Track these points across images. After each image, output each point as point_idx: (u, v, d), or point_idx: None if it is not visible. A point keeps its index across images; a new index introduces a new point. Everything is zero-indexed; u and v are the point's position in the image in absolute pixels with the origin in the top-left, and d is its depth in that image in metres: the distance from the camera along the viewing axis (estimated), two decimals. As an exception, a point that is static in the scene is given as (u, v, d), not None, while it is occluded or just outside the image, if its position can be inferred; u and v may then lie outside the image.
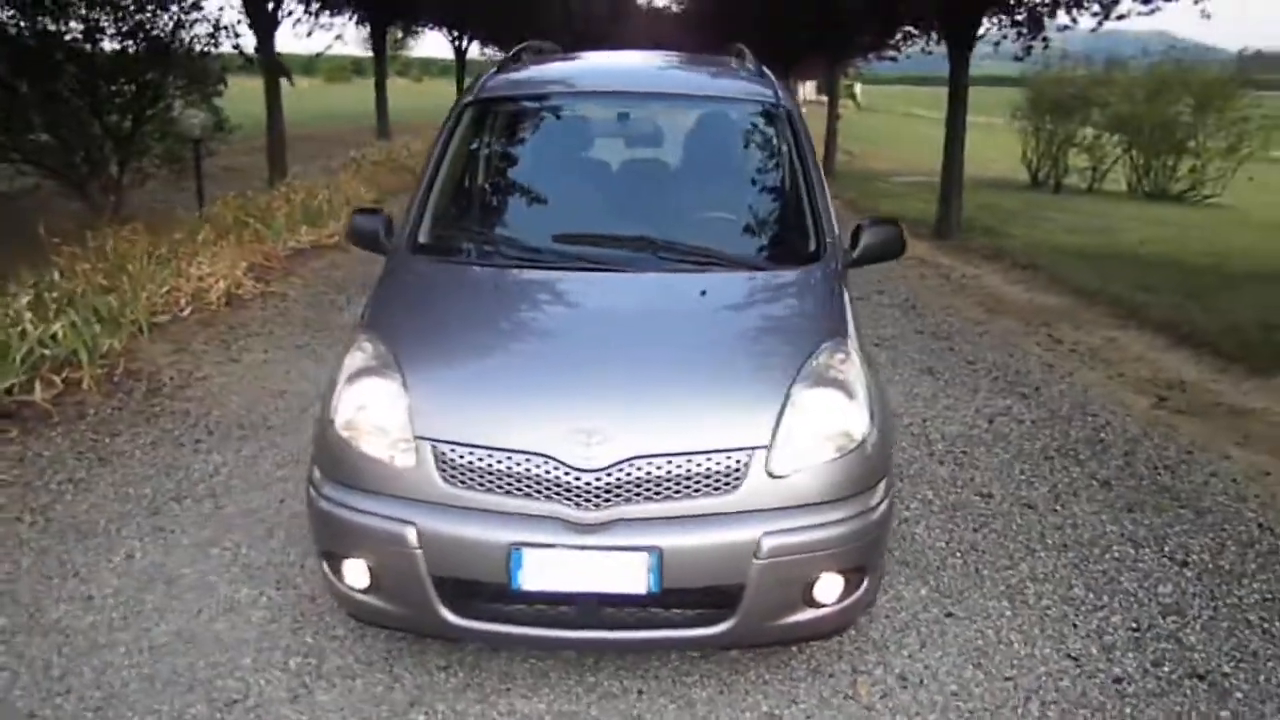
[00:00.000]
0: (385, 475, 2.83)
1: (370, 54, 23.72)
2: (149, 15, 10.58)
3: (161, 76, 10.83)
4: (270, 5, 12.68)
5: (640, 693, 2.98)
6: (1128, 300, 8.69)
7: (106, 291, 6.68)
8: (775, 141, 3.88)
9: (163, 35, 10.57)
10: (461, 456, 2.76)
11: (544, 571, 2.69)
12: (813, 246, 3.53)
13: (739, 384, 2.92)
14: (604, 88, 4.17)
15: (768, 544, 2.70)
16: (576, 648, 3.02)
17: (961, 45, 11.55)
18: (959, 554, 3.85)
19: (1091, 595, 3.58)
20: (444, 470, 2.76)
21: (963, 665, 3.13)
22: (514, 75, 4.20)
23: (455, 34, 26.11)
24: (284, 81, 12.96)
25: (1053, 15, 11.41)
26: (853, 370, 2.98)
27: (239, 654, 3.16)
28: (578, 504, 2.70)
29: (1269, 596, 3.60)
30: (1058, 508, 4.30)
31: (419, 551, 2.74)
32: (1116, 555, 3.88)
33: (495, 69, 4.24)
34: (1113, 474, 4.72)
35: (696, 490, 2.72)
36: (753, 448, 2.75)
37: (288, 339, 6.79)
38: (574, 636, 2.83)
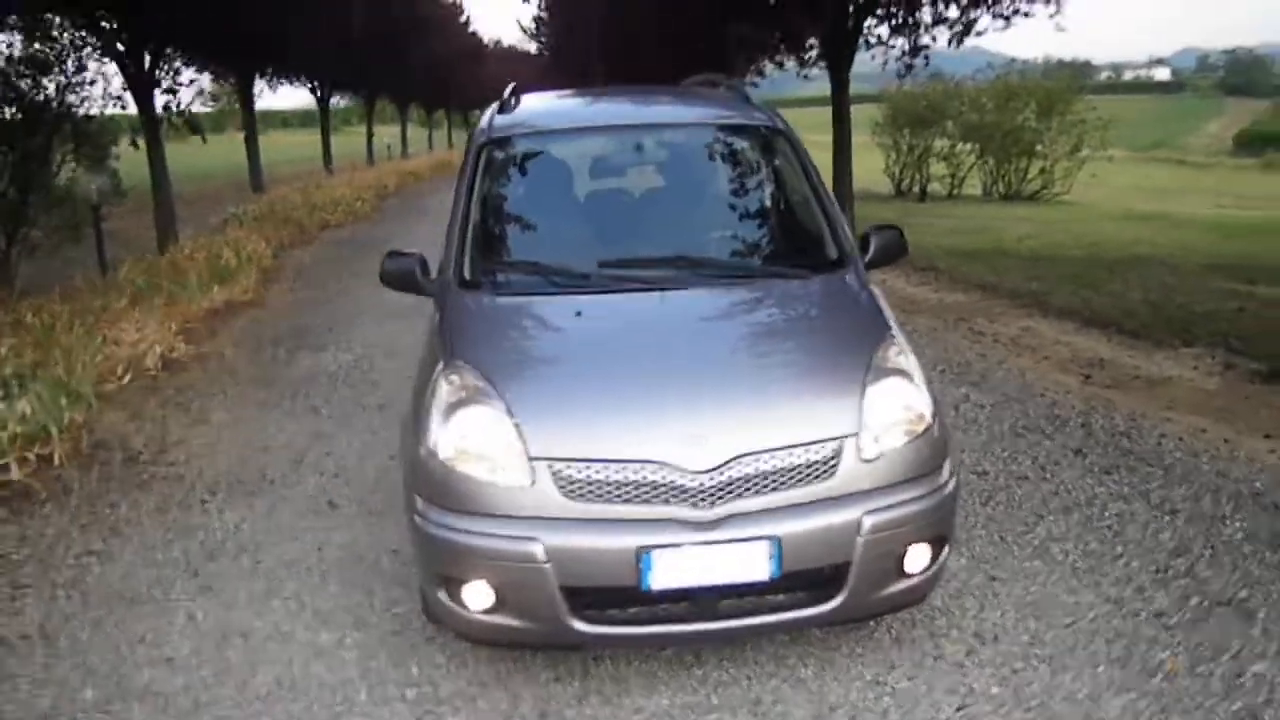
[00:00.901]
0: (503, 497, 2.96)
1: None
2: (29, 82, 10.20)
3: (47, 141, 10.43)
4: (147, 64, 12.36)
5: (749, 678, 3.18)
6: (1027, 292, 9.40)
7: (38, 365, 6.46)
8: (780, 160, 4.18)
9: (48, 100, 10.20)
10: (579, 471, 2.92)
11: (672, 570, 2.87)
12: (835, 254, 3.82)
13: (820, 380, 3.18)
14: (614, 121, 4.40)
15: (868, 522, 2.95)
16: (700, 641, 3.19)
17: (840, 69, 12.22)
18: (980, 525, 4.19)
19: (1107, 547, 3.97)
20: (563, 486, 2.92)
21: (1024, 618, 3.45)
22: (522, 113, 4.38)
23: (317, 85, 25.79)
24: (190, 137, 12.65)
25: (918, 34, 12.23)
26: (911, 361, 3.28)
27: (351, 692, 3.21)
28: (694, 504, 2.89)
29: (1251, 532, 4.07)
30: (1047, 477, 4.71)
31: (548, 565, 2.88)
32: (1115, 511, 4.30)
33: (496, 108, 4.40)
34: (1080, 443, 5.19)
35: (799, 480, 2.95)
36: (843, 436, 3.00)
37: (246, 397, 6.69)
38: (697, 629, 3.00)
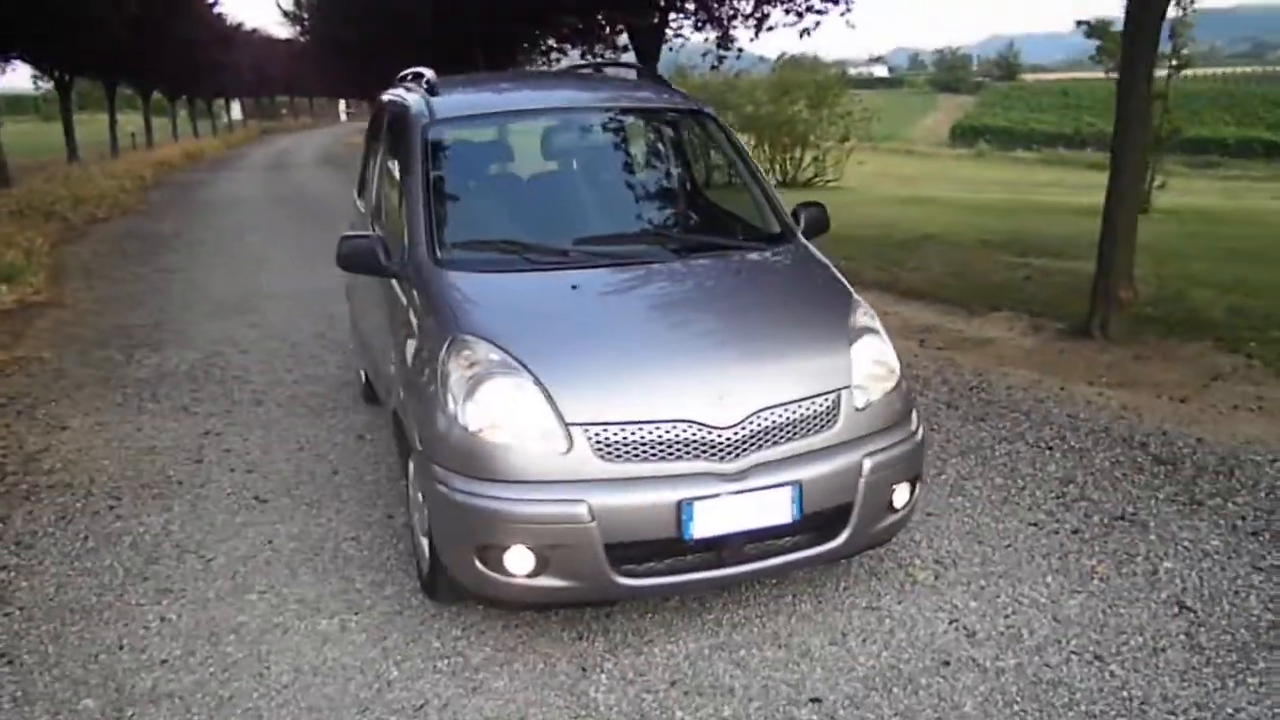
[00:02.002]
0: (540, 463, 3.08)
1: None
2: None
3: None
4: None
5: (759, 617, 3.45)
6: (840, 268, 10.17)
7: None
8: (714, 142, 4.45)
9: None
10: (615, 434, 3.08)
11: (710, 519, 3.09)
12: (778, 228, 4.15)
13: (815, 339, 3.49)
14: (553, 104, 4.50)
15: (868, 465, 3.30)
16: (728, 583, 3.41)
17: (647, 61, 12.65)
18: (899, 471, 4.66)
19: (1010, 481, 4.53)
20: (599, 448, 3.07)
21: (970, 544, 3.92)
22: (455, 97, 4.40)
23: (55, 69, 23.58)
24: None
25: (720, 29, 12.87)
26: (877, 321, 3.66)
27: (381, 670, 3.22)
28: (721, 457, 3.13)
29: (1119, 460, 4.76)
30: (935, 426, 5.27)
31: (593, 524, 3.03)
32: (1003, 451, 4.90)
33: (425, 91, 4.40)
34: (946, 396, 5.81)
35: (810, 430, 3.25)
36: (840, 389, 3.33)
37: (97, 400, 6.24)
38: (728, 573, 3.23)
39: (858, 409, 3.34)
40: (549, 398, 3.11)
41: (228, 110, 58.59)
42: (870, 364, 3.45)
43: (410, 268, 3.77)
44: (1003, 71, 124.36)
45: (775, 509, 3.17)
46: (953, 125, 73.01)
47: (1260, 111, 61.32)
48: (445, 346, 3.29)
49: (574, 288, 3.57)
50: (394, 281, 3.94)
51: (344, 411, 5.88)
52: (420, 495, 3.50)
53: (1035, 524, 4.09)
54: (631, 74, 5.13)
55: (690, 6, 12.29)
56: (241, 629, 3.49)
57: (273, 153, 41.57)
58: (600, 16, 13.18)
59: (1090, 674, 3.05)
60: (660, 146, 4.58)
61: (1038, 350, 6.97)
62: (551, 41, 17.62)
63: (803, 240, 4.10)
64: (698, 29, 12.57)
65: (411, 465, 3.64)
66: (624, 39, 14.82)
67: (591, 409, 3.11)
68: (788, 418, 3.22)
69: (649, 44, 12.53)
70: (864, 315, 3.65)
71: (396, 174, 4.37)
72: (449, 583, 3.41)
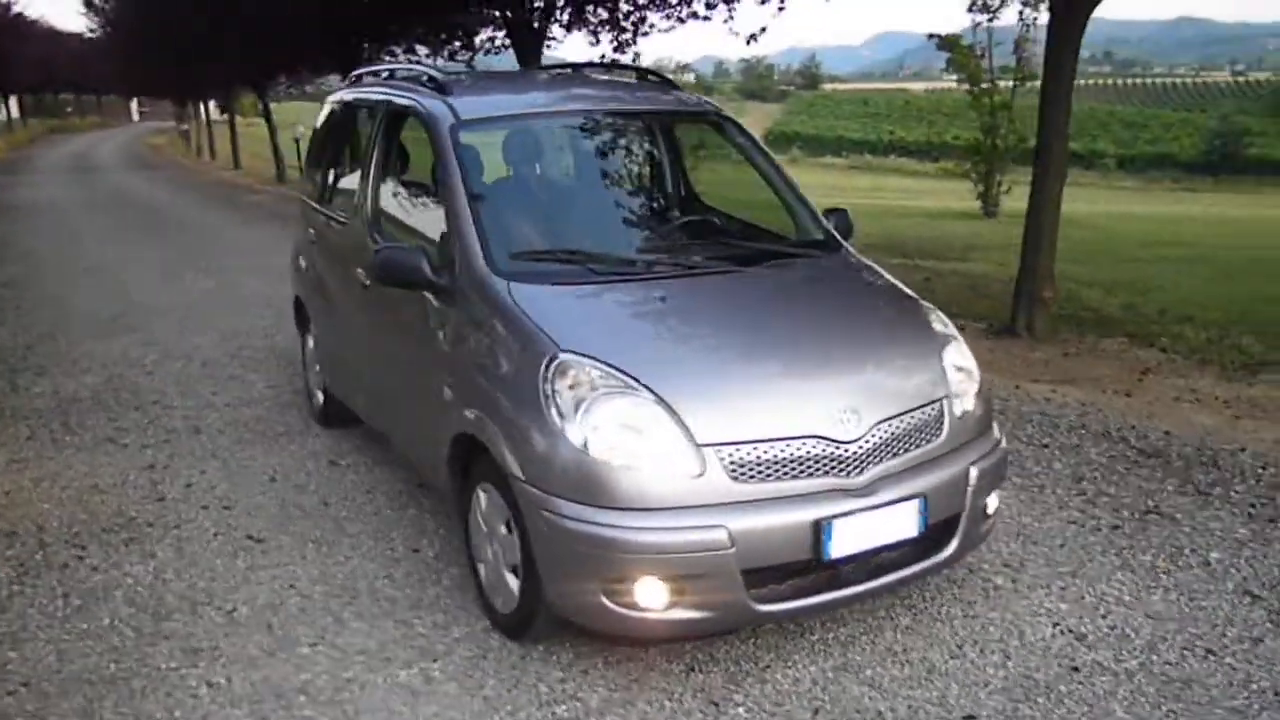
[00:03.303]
0: (673, 488, 2.88)
1: None
2: None
3: None
4: None
5: (865, 634, 3.35)
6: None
7: None
8: (743, 146, 4.33)
9: None
10: (747, 454, 2.93)
11: (847, 537, 2.98)
12: (819, 234, 4.08)
13: (912, 347, 3.43)
14: (580, 107, 4.24)
15: (974, 473, 3.27)
16: (858, 600, 3.28)
17: (528, 63, 12.39)
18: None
19: (1029, 480, 4.63)
20: (733, 470, 2.91)
21: (1026, 545, 3.97)
22: (475, 98, 4.10)
23: None
24: None
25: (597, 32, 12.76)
26: (952, 325, 3.65)
27: (499, 701, 2.94)
28: (848, 472, 3.02)
29: (1112, 455, 4.95)
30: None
31: (733, 550, 2.86)
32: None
33: (435, 90, 4.08)
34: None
35: (922, 440, 3.19)
36: (942, 398, 3.30)
37: (2, 434, 5.52)
38: (858, 590, 3.12)
39: (957, 417, 3.31)
40: (677, 418, 2.92)
41: (5, 107, 53.75)
42: (961, 371, 3.44)
43: (465, 281, 3.47)
44: (806, 81, 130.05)
45: (903, 523, 3.09)
46: (765, 132, 75.56)
47: (1101, 127, 66.38)
48: (547, 367, 3.04)
49: (661, 299, 3.38)
50: (429, 296, 3.63)
51: (300, 436, 5.42)
52: (504, 527, 3.23)
53: (1074, 522, 4.19)
54: (627, 76, 4.93)
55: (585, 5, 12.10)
56: (310, 688, 3.11)
57: (69, 154, 38.55)
58: (478, 10, 12.75)
59: (1212, 669, 3.12)
60: (697, 151, 4.43)
61: (971, 350, 7.20)
62: (399, 44, 17.03)
63: (849, 247, 4.05)
64: (592, 30, 12.39)
65: (481, 495, 3.36)
66: (486, 40, 14.51)
67: (722, 428, 2.94)
68: (904, 429, 3.16)
69: (530, 44, 12.26)
70: (941, 322, 3.63)
71: (416, 182, 4.04)
72: (547, 620, 3.16)
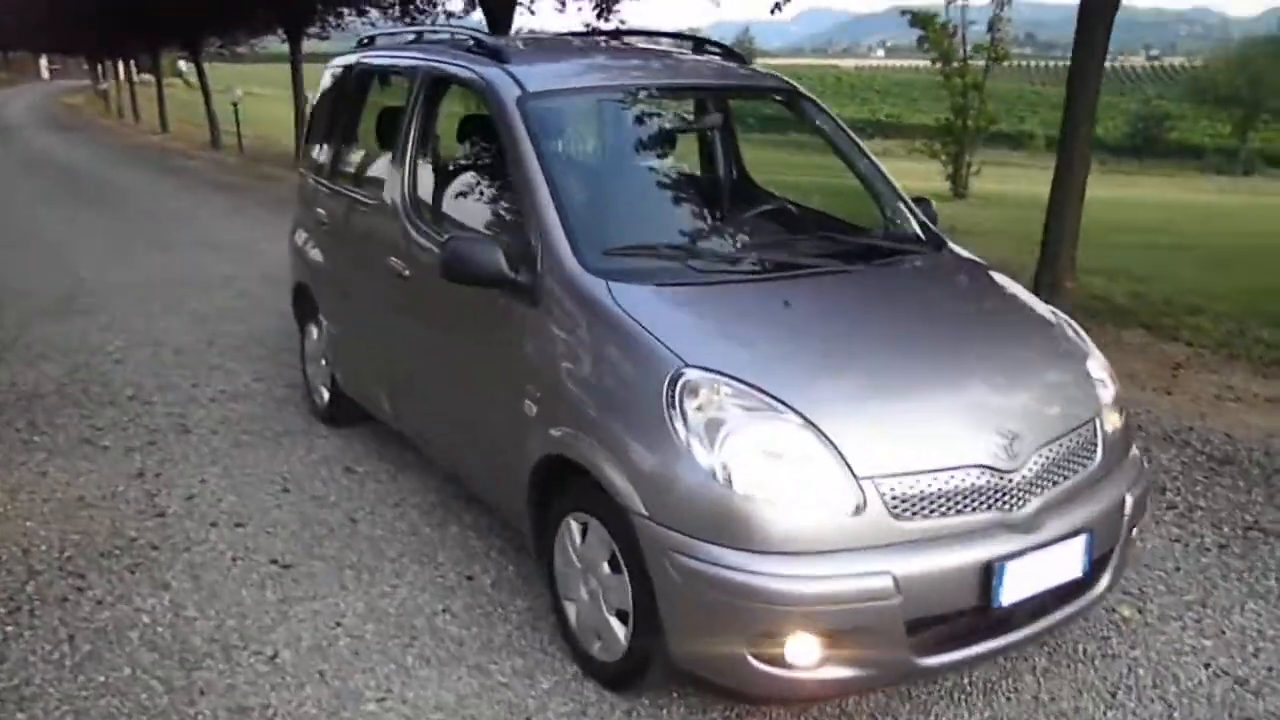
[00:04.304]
0: (830, 528, 2.49)
1: None
2: None
3: None
4: None
5: (1006, 678, 3.01)
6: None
7: None
8: (823, 127, 3.92)
9: None
10: (910, 487, 2.55)
11: (1019, 580, 2.62)
12: (916, 225, 3.71)
13: (1061, 359, 3.07)
14: (649, 80, 3.75)
15: (1129, 501, 2.94)
16: (1019, 647, 2.92)
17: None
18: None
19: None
20: (894, 506, 2.53)
21: (1139, 569, 3.67)
22: (534, 66, 3.59)
23: None
24: None
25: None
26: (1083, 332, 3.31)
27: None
28: (1012, 506, 2.66)
29: (1185, 462, 4.70)
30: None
31: (899, 599, 2.49)
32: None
33: (489, 58, 3.59)
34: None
35: (1078, 466, 2.84)
36: (1094, 417, 2.95)
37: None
38: (1019, 637, 2.75)
39: (1108, 435, 2.97)
40: (831, 446, 2.52)
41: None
42: (1107, 385, 3.09)
43: (553, 280, 3.01)
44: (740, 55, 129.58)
45: (1071, 562, 2.74)
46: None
47: (1029, 108, 67.02)
48: (671, 385, 2.61)
49: (786, 304, 2.96)
50: (504, 295, 3.16)
51: (303, 437, 4.89)
52: (608, 565, 2.82)
53: (1178, 540, 3.90)
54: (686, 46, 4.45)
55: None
56: (387, 750, 2.67)
57: (-23, 114, 36.50)
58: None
59: (1396, 718, 2.85)
60: (775, 132, 4.01)
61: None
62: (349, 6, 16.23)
63: (953, 245, 3.67)
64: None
65: (573, 527, 2.94)
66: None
67: (881, 458, 2.55)
68: (1063, 453, 2.80)
69: (501, 10, 11.64)
70: (1074, 329, 3.29)
71: (466, 162, 3.56)
72: (662, 671, 2.76)
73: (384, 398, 4.27)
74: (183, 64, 54.61)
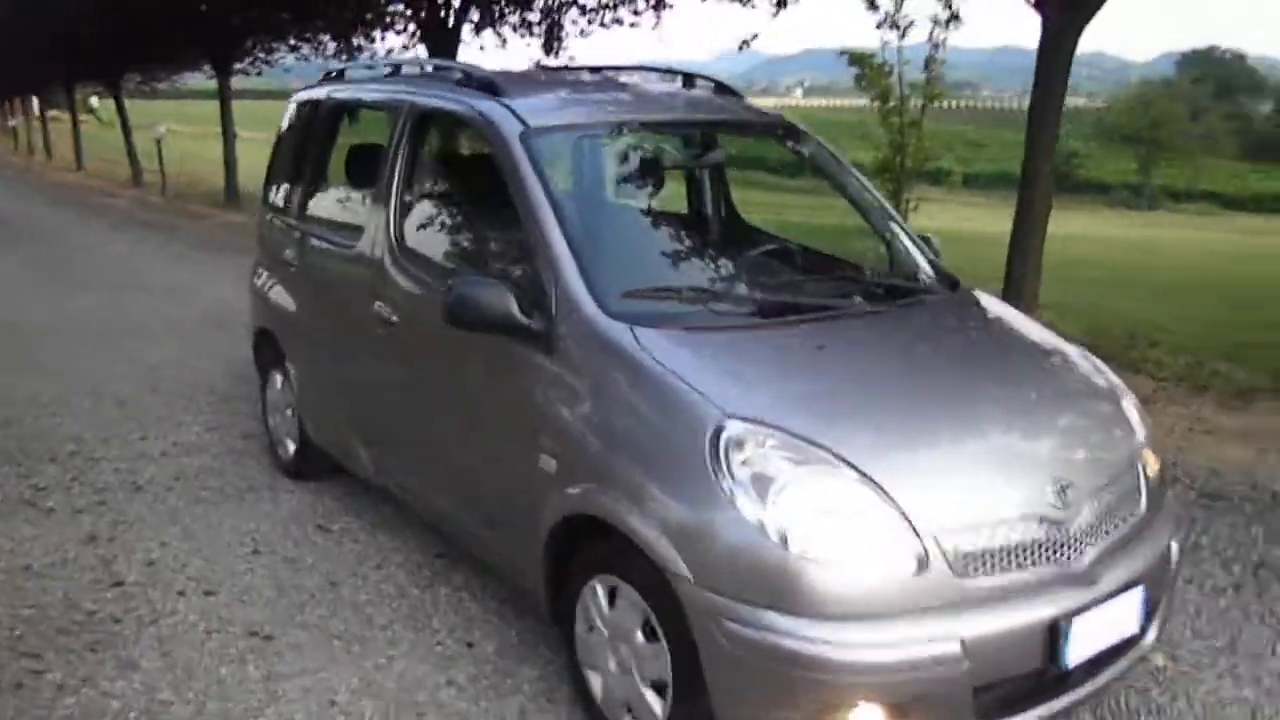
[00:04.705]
0: (891, 589, 2.33)
1: None
2: None
3: None
4: None
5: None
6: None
7: None
8: (828, 164, 3.80)
9: None
10: (971, 542, 2.40)
11: (1084, 637, 2.49)
12: (926, 264, 3.60)
13: (1100, 401, 2.96)
14: (651, 117, 3.58)
15: (1174, 548, 2.84)
16: (1077, 705, 2.75)
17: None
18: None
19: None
20: (956, 563, 2.38)
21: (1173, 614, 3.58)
22: (532, 101, 3.40)
23: None
24: None
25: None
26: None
27: None
28: (1070, 558, 2.53)
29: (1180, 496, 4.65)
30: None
31: (966, 664, 2.33)
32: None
33: (485, 89, 3.40)
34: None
35: (1125, 511, 2.73)
36: (1137, 457, 2.84)
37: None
38: (1075, 697, 2.60)
39: (1149, 477, 2.86)
40: (890, 500, 2.36)
41: None
42: (1141, 426, 2.99)
43: (570, 326, 2.82)
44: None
45: (1129, 616, 2.62)
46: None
47: (945, 146, 68.61)
48: (715, 437, 2.43)
49: (820, 348, 2.81)
50: (514, 342, 2.96)
51: (268, 492, 4.59)
52: (641, 632, 2.61)
53: (1191, 581, 3.81)
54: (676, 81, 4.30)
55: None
56: None
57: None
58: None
59: None
60: (784, 172, 3.88)
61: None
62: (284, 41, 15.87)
63: (965, 285, 3.57)
64: (512, 29, 11.68)
65: (598, 591, 2.73)
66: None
67: (942, 511, 2.40)
68: (1113, 500, 2.68)
69: (444, 47, 11.45)
70: (1103, 367, 3.19)
71: (459, 199, 3.35)
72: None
73: (363, 450, 4.00)
74: (94, 100, 53.20)
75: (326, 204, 4.31)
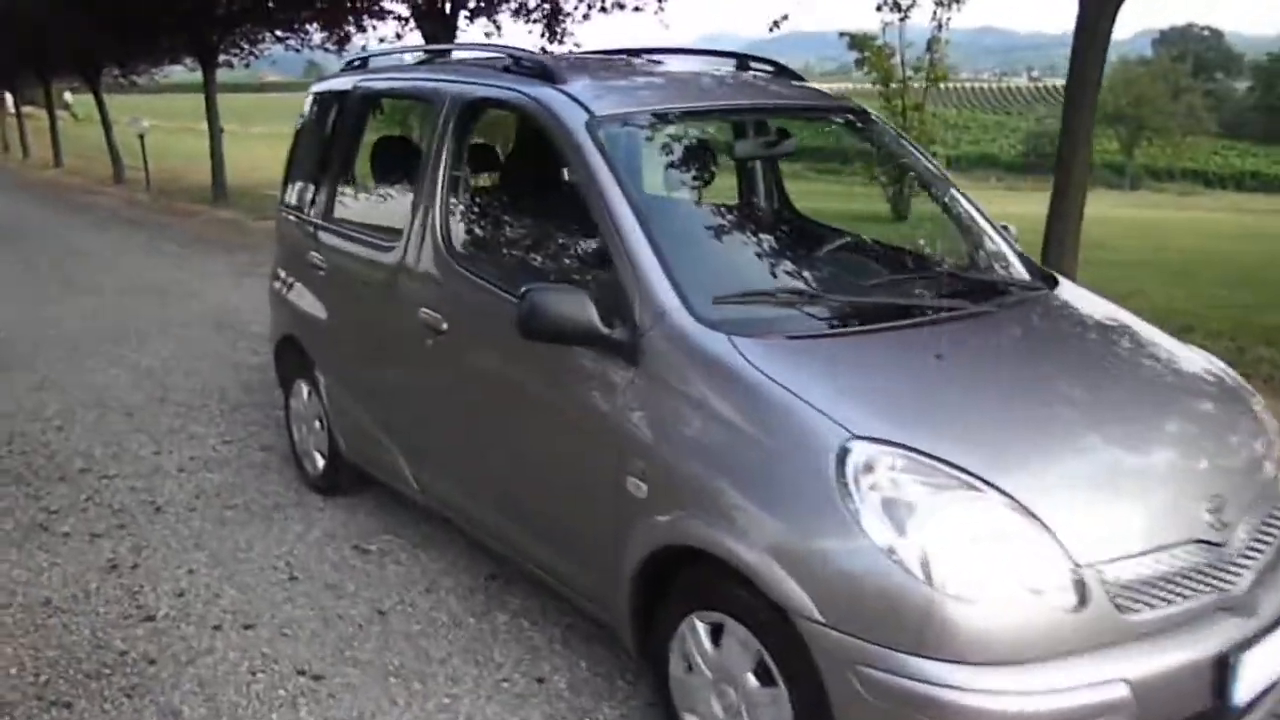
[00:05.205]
0: (1050, 629, 2.08)
1: None
2: None
3: None
4: None
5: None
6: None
7: None
8: (903, 153, 3.55)
9: None
10: (1131, 572, 2.15)
11: (1253, 672, 2.25)
12: (1014, 257, 3.35)
13: (1236, 408, 2.72)
14: (722, 104, 3.31)
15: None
16: None
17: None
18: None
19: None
20: (1116, 596, 2.13)
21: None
22: (598, 84, 3.14)
23: None
24: None
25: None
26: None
27: None
28: (1229, 582, 2.29)
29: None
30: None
31: (1135, 709, 2.09)
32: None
33: (540, 76, 3.12)
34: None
35: (1274, 529, 2.49)
36: (1276, 461, 2.61)
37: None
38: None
39: None
40: (1045, 529, 2.12)
41: None
42: (1273, 427, 2.76)
43: (658, 335, 2.55)
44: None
45: (1287, 648, 2.39)
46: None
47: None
48: (841, 460, 2.18)
49: (938, 357, 2.55)
50: (578, 351, 2.70)
51: (298, 510, 4.31)
52: (753, 675, 2.36)
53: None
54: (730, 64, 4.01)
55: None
56: None
57: None
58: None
59: None
60: (858, 161, 3.61)
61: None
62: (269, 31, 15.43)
63: (1063, 280, 3.31)
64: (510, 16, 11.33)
65: (699, 629, 2.48)
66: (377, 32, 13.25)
67: (1098, 540, 2.15)
68: (1261, 516, 2.44)
69: (440, 34, 11.11)
70: (1231, 371, 2.96)
71: (528, 198, 3.09)
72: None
73: (406, 467, 3.73)
74: (69, 95, 52.22)
75: (358, 203, 4.03)
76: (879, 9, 14.41)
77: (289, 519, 4.22)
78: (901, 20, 13.94)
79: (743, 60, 3.82)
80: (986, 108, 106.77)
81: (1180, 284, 10.20)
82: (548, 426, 2.93)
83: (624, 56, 3.85)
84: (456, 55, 3.78)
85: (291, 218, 4.43)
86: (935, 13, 13.38)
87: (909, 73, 14.77)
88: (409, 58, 4.24)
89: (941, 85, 15.64)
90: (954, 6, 12.34)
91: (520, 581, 3.56)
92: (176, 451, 5.00)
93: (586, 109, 2.94)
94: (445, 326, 3.27)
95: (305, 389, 4.38)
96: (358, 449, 4.06)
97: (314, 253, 4.14)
